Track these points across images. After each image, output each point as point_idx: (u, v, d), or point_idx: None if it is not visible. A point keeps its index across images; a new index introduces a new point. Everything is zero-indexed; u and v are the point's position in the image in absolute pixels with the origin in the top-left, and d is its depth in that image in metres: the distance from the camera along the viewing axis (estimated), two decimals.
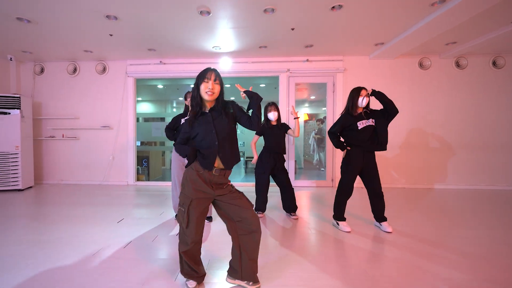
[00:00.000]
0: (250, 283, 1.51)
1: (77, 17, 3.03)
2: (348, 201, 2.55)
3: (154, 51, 4.20)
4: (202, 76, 1.41)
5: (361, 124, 2.43)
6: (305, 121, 8.32)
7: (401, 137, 4.47)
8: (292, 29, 3.34)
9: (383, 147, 2.45)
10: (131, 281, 1.60)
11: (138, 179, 4.91)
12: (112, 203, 3.52)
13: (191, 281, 1.52)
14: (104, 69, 4.82)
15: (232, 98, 8.21)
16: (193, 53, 4.31)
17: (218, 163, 1.44)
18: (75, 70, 4.86)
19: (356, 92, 2.47)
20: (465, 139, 4.40)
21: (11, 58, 4.61)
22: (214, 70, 1.42)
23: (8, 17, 3.00)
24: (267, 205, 2.97)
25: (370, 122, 2.45)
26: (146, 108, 8.02)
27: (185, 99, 2.76)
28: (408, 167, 4.48)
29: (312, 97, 7.61)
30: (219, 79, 1.43)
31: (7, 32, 3.48)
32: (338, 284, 1.57)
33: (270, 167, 2.83)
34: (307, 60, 4.45)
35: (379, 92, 2.45)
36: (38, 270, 1.72)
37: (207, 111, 1.45)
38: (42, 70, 4.92)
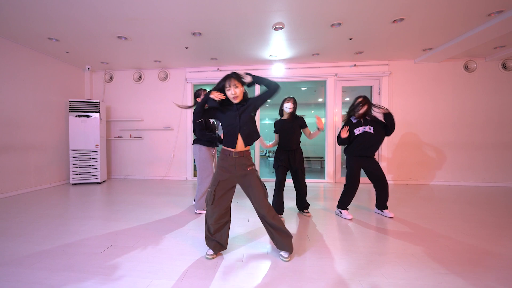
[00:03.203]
0: (283, 252, 1.85)
1: (167, 34, 3.56)
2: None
3: (216, 59, 4.70)
4: (223, 82, 1.76)
5: (357, 131, 2.75)
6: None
7: (446, 137, 4.67)
8: (350, 39, 3.70)
9: (372, 153, 2.78)
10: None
11: (195, 175, 5.43)
12: (179, 193, 4.02)
13: (209, 249, 1.88)
14: (166, 77, 5.39)
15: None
16: (249, 60, 4.77)
17: (239, 144, 1.79)
18: (140, 77, 5.47)
19: (354, 100, 2.80)
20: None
21: (88, 68, 5.29)
22: (233, 76, 1.76)
23: (111, 35, 3.59)
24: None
25: (367, 128, 2.72)
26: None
27: (198, 96, 2.86)
28: (455, 166, 4.67)
29: (346, 99, 7.88)
30: (238, 82, 1.75)
31: (100, 47, 4.10)
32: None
33: (284, 163, 2.77)
34: (355, 65, 4.77)
35: (389, 114, 2.74)
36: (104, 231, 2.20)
37: (234, 104, 1.81)
38: (111, 78, 5.57)
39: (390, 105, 4.77)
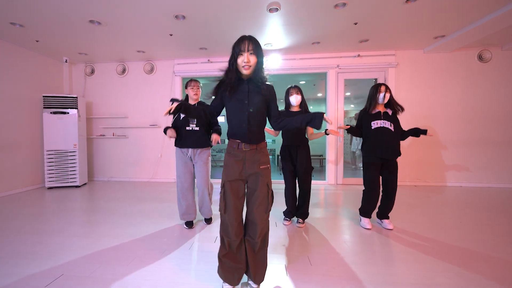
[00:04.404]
0: (251, 282, 1.46)
1: (146, 18, 3.10)
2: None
3: (205, 49, 4.24)
4: (237, 48, 1.32)
5: (375, 124, 2.36)
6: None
7: (458, 133, 4.28)
8: (355, 23, 3.26)
9: (394, 155, 2.36)
10: None
11: None
12: (166, 198, 3.59)
13: (227, 284, 1.45)
14: (152, 69, 4.92)
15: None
16: None
17: (245, 135, 1.38)
18: (124, 70, 5.00)
19: (375, 89, 2.38)
20: None
21: (66, 60, 4.81)
22: (250, 39, 1.32)
23: (82, 20, 3.12)
24: None
25: (388, 124, 2.33)
26: None
27: (186, 87, 2.54)
28: (468, 165, 4.29)
29: (347, 93, 7.46)
30: (254, 49, 1.32)
31: (74, 35, 3.62)
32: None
33: (290, 163, 2.50)
34: (358, 55, 4.34)
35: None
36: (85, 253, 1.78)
37: (244, 81, 1.39)
38: (92, 71, 5.09)
39: (396, 99, 4.29)
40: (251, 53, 1.31)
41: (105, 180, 5.06)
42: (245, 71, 1.33)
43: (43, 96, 4.27)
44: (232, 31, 3.51)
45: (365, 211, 2.49)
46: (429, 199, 3.50)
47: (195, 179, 2.52)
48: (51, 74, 4.73)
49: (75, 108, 4.43)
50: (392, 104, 2.41)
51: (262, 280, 1.45)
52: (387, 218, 2.49)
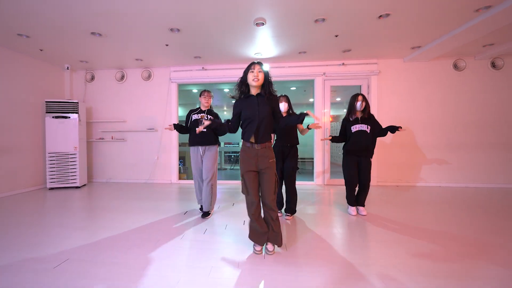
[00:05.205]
0: (269, 245, 1.91)
1: (143, 31, 3.38)
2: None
3: (200, 58, 4.53)
4: (248, 68, 1.81)
5: (354, 128, 2.82)
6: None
7: (436, 137, 4.58)
8: (336, 36, 3.56)
9: (369, 154, 2.82)
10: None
11: (180, 178, 5.23)
12: (161, 198, 3.83)
13: (257, 245, 1.92)
14: (149, 76, 5.19)
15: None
16: (234, 59, 4.61)
17: (256, 138, 1.83)
18: (122, 77, 5.26)
19: (353, 98, 2.83)
20: (502, 138, 4.44)
21: (67, 67, 5.07)
22: (259, 63, 1.81)
23: (85, 32, 3.39)
24: None
25: (365, 127, 2.77)
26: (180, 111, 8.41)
27: (199, 96, 3.00)
28: (445, 166, 4.57)
29: (338, 99, 7.77)
30: (262, 69, 1.81)
31: (76, 45, 3.89)
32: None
33: (280, 160, 2.74)
34: (343, 64, 4.65)
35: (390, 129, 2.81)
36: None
37: (254, 95, 1.85)
38: (92, 78, 5.35)
39: (379, 104, 4.66)
40: (259, 71, 1.78)
41: (104, 181, 5.28)
42: (254, 83, 1.77)
43: (46, 102, 4.51)
44: (224, 42, 3.79)
45: (349, 201, 2.96)
46: (408, 197, 3.76)
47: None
48: (53, 80, 4.98)
49: (76, 112, 4.67)
50: (367, 110, 2.82)
51: (280, 244, 1.91)
52: (363, 205, 2.91)
